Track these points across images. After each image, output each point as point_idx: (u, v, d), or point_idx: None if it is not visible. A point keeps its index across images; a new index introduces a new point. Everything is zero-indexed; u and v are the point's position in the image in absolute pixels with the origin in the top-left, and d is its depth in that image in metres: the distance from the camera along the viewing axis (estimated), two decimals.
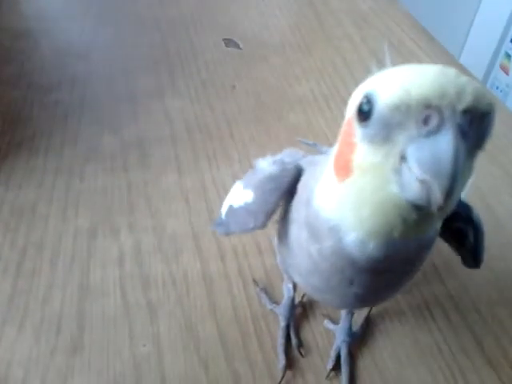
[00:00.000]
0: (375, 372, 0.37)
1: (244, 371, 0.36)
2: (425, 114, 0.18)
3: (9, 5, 0.83)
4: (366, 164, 0.20)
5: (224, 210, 0.34)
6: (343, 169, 0.21)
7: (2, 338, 0.38)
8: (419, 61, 0.69)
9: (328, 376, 0.36)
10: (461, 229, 0.29)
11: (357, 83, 0.65)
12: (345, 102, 0.65)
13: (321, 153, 0.41)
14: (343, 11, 0.81)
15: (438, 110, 0.17)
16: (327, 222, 0.23)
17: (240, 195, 0.31)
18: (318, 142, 0.51)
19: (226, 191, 0.50)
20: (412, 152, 0.18)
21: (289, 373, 0.36)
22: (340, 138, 0.23)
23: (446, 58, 0.70)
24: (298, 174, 0.28)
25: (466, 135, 0.18)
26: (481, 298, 0.42)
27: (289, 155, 0.32)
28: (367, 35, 0.75)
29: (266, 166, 0.31)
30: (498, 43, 1.14)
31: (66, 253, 0.44)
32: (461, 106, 0.17)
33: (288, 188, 0.28)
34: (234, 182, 0.51)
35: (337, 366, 0.36)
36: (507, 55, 1.13)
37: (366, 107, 0.19)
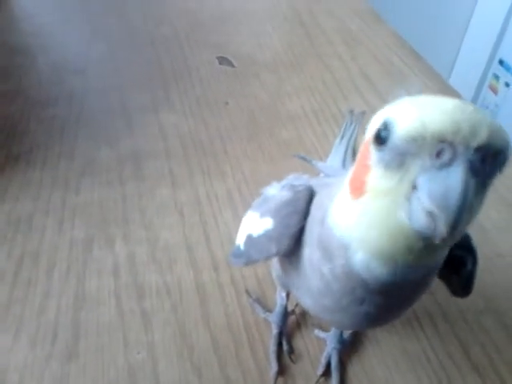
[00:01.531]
0: (364, 378, 0.38)
1: (236, 378, 0.37)
2: (439, 147, 0.18)
3: (6, 21, 0.84)
4: (378, 187, 0.20)
5: (241, 240, 0.33)
6: (358, 189, 0.22)
7: None
8: (406, 78, 0.72)
9: (318, 382, 0.37)
10: (460, 256, 0.28)
11: (346, 99, 0.68)
12: (334, 118, 0.66)
13: (316, 168, 0.42)
14: (333, 30, 0.84)
15: (452, 144, 0.18)
16: (339, 240, 0.24)
17: (258, 224, 0.31)
18: (311, 158, 0.53)
19: (220, 205, 0.52)
20: (423, 182, 0.19)
21: (280, 379, 0.37)
22: (357, 158, 0.23)
23: (434, 76, 0.73)
24: (311, 196, 0.29)
25: (477, 171, 0.18)
26: (468, 307, 0.43)
27: (295, 179, 0.33)
28: (356, 54, 0.77)
29: (276, 192, 0.32)
30: (486, 64, 1.18)
31: (62, 263, 0.45)
32: (474, 143, 0.18)
33: (306, 209, 0.28)
34: (228, 195, 0.53)
35: (327, 372, 0.37)
36: (495, 76, 1.16)
37: (383, 133, 0.20)
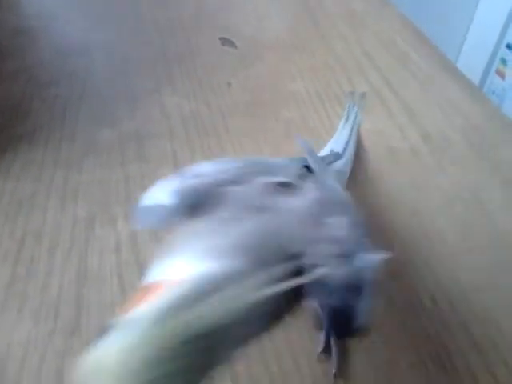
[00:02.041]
0: (365, 355, 0.38)
1: None
2: None
3: (9, 3, 0.84)
4: None
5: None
6: None
7: (1, 321, 0.39)
8: (412, 63, 0.71)
9: (319, 357, 0.37)
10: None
11: (350, 81, 0.67)
12: (338, 99, 0.66)
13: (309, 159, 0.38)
14: (338, 13, 0.83)
15: None
16: None
17: (161, 194, 0.33)
18: (315, 147, 0.51)
19: None
20: None
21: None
22: None
23: (441, 60, 0.72)
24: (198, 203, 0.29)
25: None
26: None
27: (226, 172, 0.32)
28: (361, 36, 0.76)
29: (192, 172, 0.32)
30: (493, 49, 1.17)
31: (65, 242, 0.45)
32: None
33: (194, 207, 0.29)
34: None
35: (327, 349, 0.37)
36: (503, 60, 1.15)
37: None
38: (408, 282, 0.43)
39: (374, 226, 0.47)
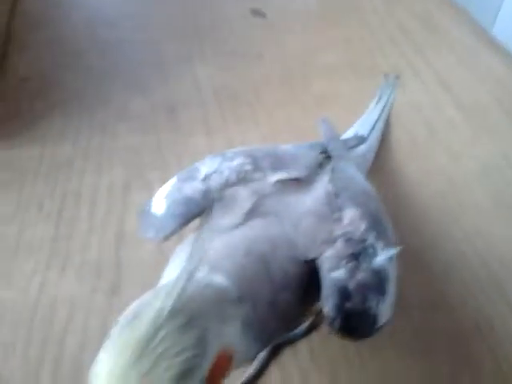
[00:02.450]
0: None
1: None
2: None
3: None
4: None
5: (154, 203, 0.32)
6: None
7: (46, 279, 0.40)
8: (447, 33, 0.69)
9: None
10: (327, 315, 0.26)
11: (383, 53, 0.66)
12: (371, 71, 0.65)
13: (331, 145, 0.37)
14: None
15: None
16: None
17: (158, 202, 0.31)
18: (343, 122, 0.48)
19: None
20: None
21: None
22: None
23: (476, 28, 0.70)
24: (209, 206, 0.29)
25: None
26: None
27: (235, 170, 0.31)
28: (395, 8, 0.75)
29: (197, 179, 0.31)
30: None
31: (102, 204, 0.46)
32: None
33: (193, 217, 0.29)
34: (263, 143, 0.53)
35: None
36: None
37: None
38: (444, 250, 0.43)
39: (408, 197, 0.48)
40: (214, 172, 0.31)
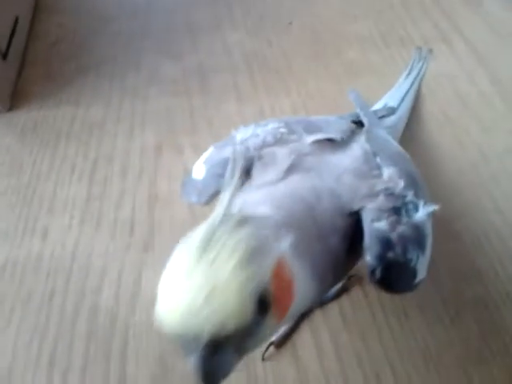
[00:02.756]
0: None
1: None
2: (177, 342, 0.20)
3: None
4: None
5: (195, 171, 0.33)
6: None
7: (81, 233, 0.41)
8: (481, 5, 0.67)
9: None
10: (369, 264, 0.26)
11: (414, 23, 0.64)
12: (402, 41, 0.64)
13: (360, 113, 0.37)
14: None
15: (183, 342, 0.20)
16: None
17: (198, 168, 0.32)
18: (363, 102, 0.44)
19: (285, 116, 0.52)
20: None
21: None
22: None
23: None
24: (249, 166, 0.28)
25: (220, 350, 0.19)
26: None
27: (271, 133, 0.31)
28: None
29: (235, 141, 0.31)
30: None
31: (135, 166, 0.47)
32: (201, 343, 0.19)
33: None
34: (293, 110, 0.53)
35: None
36: None
37: None
38: (475, 221, 0.43)
39: (439, 168, 0.47)
40: (250, 136, 0.31)
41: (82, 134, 0.50)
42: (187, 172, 0.33)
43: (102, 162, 0.47)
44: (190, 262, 0.20)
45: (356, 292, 0.38)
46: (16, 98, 0.54)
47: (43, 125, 0.51)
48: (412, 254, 0.27)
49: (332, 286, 0.28)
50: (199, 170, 0.32)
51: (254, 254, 0.20)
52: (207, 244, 0.20)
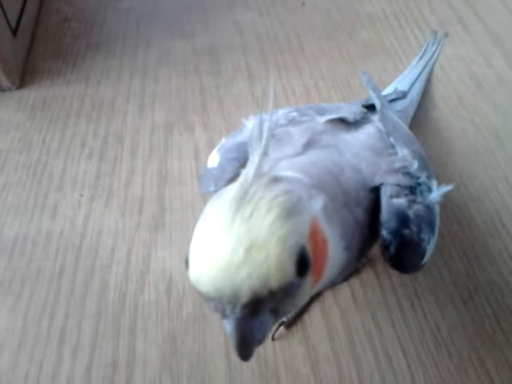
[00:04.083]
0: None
1: None
2: (211, 304, 0.19)
3: None
4: None
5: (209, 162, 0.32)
6: None
7: (91, 210, 0.41)
8: None
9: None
10: (384, 238, 0.26)
11: (430, 4, 0.63)
12: (417, 23, 0.63)
13: (371, 96, 0.36)
14: None
15: (220, 303, 0.19)
16: None
17: (212, 158, 0.31)
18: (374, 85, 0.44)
19: (297, 99, 0.52)
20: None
21: None
22: None
23: None
24: None
25: (257, 311, 0.19)
26: None
27: (283, 116, 0.31)
28: None
29: (245, 128, 0.31)
30: None
31: (145, 144, 0.47)
32: (238, 304, 0.18)
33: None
34: (305, 91, 0.52)
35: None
36: None
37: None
38: (489, 204, 0.42)
39: (453, 152, 0.46)
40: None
41: (91, 111, 0.49)
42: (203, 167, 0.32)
43: (112, 140, 0.47)
44: (225, 217, 0.19)
45: (367, 273, 0.37)
46: (26, 76, 0.54)
47: (53, 102, 0.51)
48: (425, 235, 0.27)
49: (357, 260, 0.27)
50: (214, 159, 0.31)
51: (291, 210, 0.19)
52: (242, 199, 0.19)
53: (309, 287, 0.20)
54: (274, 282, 0.18)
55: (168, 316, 0.35)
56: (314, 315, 0.35)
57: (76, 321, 0.35)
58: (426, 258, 0.28)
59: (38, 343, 0.34)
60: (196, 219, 0.38)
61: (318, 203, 0.21)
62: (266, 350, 0.34)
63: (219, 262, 0.18)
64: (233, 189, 0.19)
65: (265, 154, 0.20)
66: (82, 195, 0.42)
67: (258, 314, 0.19)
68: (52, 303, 0.36)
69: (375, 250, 0.29)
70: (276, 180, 0.20)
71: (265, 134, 0.20)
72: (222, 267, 0.18)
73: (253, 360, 0.33)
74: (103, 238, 0.39)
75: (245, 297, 0.18)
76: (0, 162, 0.45)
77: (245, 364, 0.33)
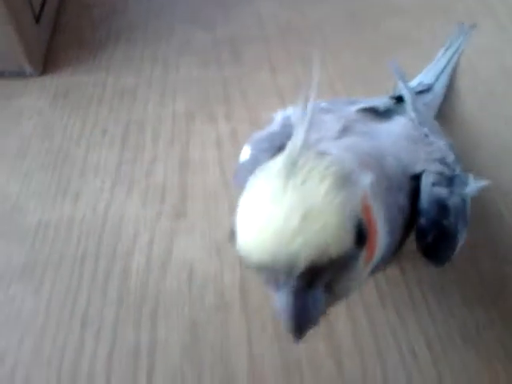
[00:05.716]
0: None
1: None
2: (264, 275, 0.19)
3: None
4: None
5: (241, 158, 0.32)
6: None
7: (112, 198, 0.41)
8: None
9: None
10: (422, 228, 0.25)
11: None
12: (445, 14, 0.61)
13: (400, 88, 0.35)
14: None
15: (274, 273, 0.18)
16: None
17: (244, 152, 0.31)
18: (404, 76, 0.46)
19: (321, 90, 0.51)
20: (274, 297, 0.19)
21: None
22: None
23: None
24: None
25: (313, 284, 0.18)
26: None
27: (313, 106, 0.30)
28: None
29: (275, 121, 0.31)
30: None
31: (167, 133, 0.46)
32: (294, 273, 0.17)
33: (281, 147, 0.26)
34: (330, 83, 0.51)
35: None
36: None
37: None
38: None
39: (480, 147, 0.45)
40: (292, 114, 0.30)
41: (113, 99, 0.49)
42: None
43: (133, 128, 0.47)
44: (275, 186, 0.18)
45: (392, 269, 0.37)
46: (48, 63, 0.54)
47: (75, 90, 0.51)
48: (461, 227, 0.26)
49: (397, 249, 0.26)
50: (245, 152, 0.30)
51: (345, 180, 0.18)
52: (292, 169, 0.18)
53: (362, 264, 0.20)
54: (333, 250, 0.17)
55: (189, 305, 0.35)
56: (338, 309, 0.34)
57: (98, 307, 0.35)
58: (456, 252, 0.27)
59: (60, 328, 0.34)
60: (218, 208, 0.38)
61: (367, 178, 0.21)
62: (289, 344, 0.33)
63: (273, 229, 0.17)
64: (280, 159, 0.19)
65: (309, 129, 0.19)
66: (103, 182, 0.42)
67: (314, 287, 0.18)
68: (74, 289, 0.36)
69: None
70: (323, 153, 0.19)
71: (309, 110, 0.19)
72: (277, 234, 0.17)
73: (275, 353, 0.33)
74: (125, 226, 0.39)
75: (300, 267, 0.17)
76: (23, 148, 0.45)
77: (267, 356, 0.32)
